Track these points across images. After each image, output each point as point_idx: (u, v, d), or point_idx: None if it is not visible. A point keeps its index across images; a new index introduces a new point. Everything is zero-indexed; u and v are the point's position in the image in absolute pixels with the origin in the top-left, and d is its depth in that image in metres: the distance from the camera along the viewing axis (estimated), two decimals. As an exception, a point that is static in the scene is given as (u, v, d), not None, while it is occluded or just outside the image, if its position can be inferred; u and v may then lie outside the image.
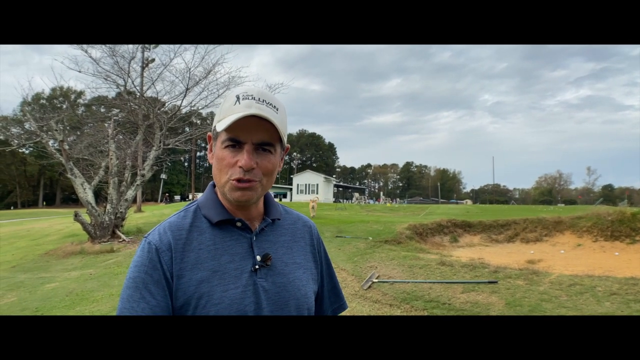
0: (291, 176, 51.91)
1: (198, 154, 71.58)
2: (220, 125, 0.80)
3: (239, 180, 0.81)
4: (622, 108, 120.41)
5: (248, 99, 0.81)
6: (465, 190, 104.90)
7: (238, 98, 0.82)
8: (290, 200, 43.02)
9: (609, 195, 70.82)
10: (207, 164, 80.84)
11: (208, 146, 0.90)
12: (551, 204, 55.71)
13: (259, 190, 0.84)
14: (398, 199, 72.63)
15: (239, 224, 0.86)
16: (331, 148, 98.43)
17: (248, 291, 0.81)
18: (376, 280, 6.30)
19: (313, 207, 17.48)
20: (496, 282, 5.91)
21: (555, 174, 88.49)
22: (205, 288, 0.78)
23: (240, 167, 0.80)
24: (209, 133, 0.89)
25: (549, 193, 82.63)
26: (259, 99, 0.82)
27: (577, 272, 6.78)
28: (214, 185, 0.91)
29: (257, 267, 0.84)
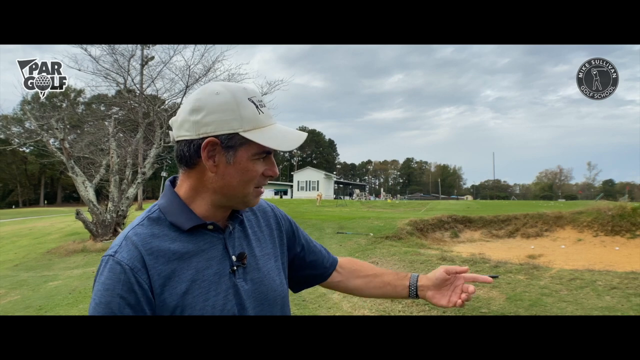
0: (292, 173, 51.94)
1: (198, 151, 71.27)
2: (269, 142, 0.76)
3: (258, 186, 0.82)
4: (624, 103, 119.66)
5: (261, 104, 0.80)
6: (465, 186, 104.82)
7: (253, 102, 0.78)
8: (291, 197, 43.04)
9: (610, 190, 70.60)
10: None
11: (204, 153, 0.75)
12: (552, 199, 55.60)
13: None
14: (399, 195, 72.59)
15: (210, 227, 0.81)
16: (331, 145, 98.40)
17: (229, 295, 0.79)
18: (377, 276, 6.33)
19: (317, 199, 26.85)
20: (497, 276, 5.93)
21: (556, 169, 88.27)
22: (187, 300, 0.74)
23: (269, 176, 0.82)
24: (210, 138, 0.75)
25: (550, 188, 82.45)
26: (263, 102, 0.81)
27: (578, 267, 6.80)
28: (173, 186, 0.84)
29: (234, 267, 0.81)
